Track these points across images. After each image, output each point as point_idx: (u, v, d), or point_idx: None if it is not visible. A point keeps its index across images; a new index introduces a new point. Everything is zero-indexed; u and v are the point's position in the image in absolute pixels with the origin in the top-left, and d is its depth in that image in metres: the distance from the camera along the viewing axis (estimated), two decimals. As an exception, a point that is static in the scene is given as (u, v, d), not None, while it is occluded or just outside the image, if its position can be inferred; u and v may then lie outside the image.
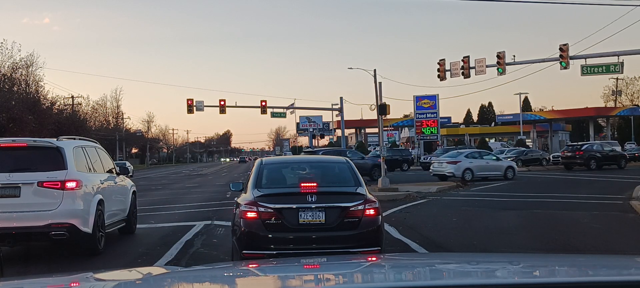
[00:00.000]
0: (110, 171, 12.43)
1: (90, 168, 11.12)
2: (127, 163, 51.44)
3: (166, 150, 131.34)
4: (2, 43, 52.63)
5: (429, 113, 55.70)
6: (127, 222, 12.85)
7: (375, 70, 30.60)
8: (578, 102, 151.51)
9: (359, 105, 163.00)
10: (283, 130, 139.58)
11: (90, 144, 12.18)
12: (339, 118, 57.92)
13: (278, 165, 10.55)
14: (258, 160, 10.15)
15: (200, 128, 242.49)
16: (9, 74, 51.36)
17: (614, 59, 30.08)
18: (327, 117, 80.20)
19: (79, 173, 10.35)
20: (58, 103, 60.47)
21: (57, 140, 10.80)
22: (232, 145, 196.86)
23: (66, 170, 10.04)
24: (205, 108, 50.07)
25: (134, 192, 13.63)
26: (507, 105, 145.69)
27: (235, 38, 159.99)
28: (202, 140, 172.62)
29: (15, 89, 51.21)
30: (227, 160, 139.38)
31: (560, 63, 30.64)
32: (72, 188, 9.98)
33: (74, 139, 11.76)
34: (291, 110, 54.98)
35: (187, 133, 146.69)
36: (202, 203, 21.01)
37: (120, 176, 13.05)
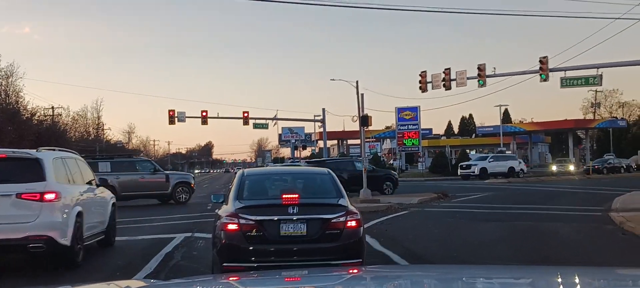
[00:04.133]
0: (89, 182, 12.30)
1: (69, 180, 11.00)
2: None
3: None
4: None
5: (410, 124, 55.87)
6: (106, 234, 12.70)
7: (357, 82, 30.73)
8: (558, 114, 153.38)
9: (342, 116, 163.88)
10: (265, 142, 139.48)
11: (70, 155, 12.07)
12: (321, 129, 57.98)
13: (260, 176, 10.54)
14: (239, 171, 10.10)
15: (181, 139, 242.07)
16: None
17: (593, 72, 30.40)
18: (309, 128, 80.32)
19: (58, 184, 10.23)
20: (38, 114, 59.84)
21: (36, 151, 10.68)
22: (214, 156, 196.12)
23: (45, 181, 9.92)
24: (186, 119, 49.89)
25: (113, 204, 13.50)
26: (487, 117, 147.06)
27: (218, 48, 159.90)
28: (184, 152, 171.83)
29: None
30: (197, 171, 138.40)
31: (540, 75, 30.92)
32: (50, 200, 9.85)
33: (54, 150, 11.65)
34: (273, 121, 54.95)
35: (168, 144, 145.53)
36: (182, 215, 20.83)
37: (100, 187, 12.93)
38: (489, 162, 52.76)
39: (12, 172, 10.07)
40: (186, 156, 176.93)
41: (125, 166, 27.09)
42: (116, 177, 25.50)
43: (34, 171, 9.99)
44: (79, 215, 10.60)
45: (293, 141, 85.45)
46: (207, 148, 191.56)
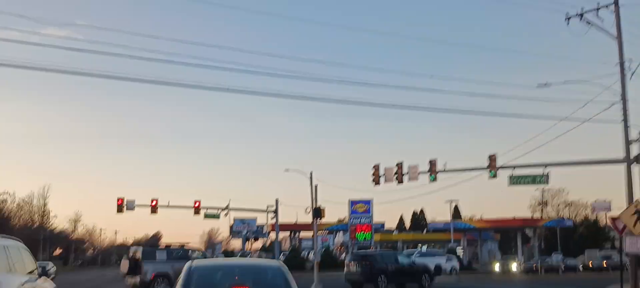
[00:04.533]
0: (31, 272, 11.76)
1: (10, 268, 10.50)
2: (50, 265, 49.04)
3: (92, 252, 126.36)
4: None
5: (363, 218, 56.02)
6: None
7: (311, 173, 30.87)
8: (507, 211, 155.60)
9: (295, 207, 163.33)
10: (216, 232, 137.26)
11: (13, 243, 11.56)
12: (273, 220, 57.47)
13: (208, 269, 10.00)
14: (187, 263, 9.68)
15: (129, 227, 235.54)
16: None
17: (539, 170, 31.27)
18: (261, 219, 79.46)
19: (-2, 273, 9.74)
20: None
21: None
22: (162, 246, 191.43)
23: None
24: (136, 207, 48.84)
25: (52, 296, 12.88)
26: (438, 212, 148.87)
27: (170, 137, 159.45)
28: (130, 242, 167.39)
29: None
30: None
31: (489, 172, 31.66)
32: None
33: (-3, 237, 11.16)
34: (225, 211, 54.27)
35: (115, 233, 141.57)
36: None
37: (42, 277, 12.36)
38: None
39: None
40: (133, 246, 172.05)
41: (180, 255, 28.10)
42: (171, 266, 26.97)
43: None
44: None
45: (245, 232, 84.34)
46: (155, 238, 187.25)
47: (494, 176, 31.44)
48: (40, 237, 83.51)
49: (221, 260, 9.78)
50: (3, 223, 56.32)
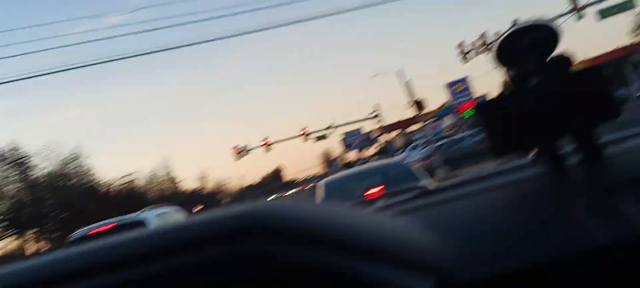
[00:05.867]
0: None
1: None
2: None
3: (228, 200, 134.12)
4: (48, 144, 54.69)
5: (463, 96, 56.07)
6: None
7: (401, 70, 31.77)
8: (599, 51, 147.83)
9: (394, 109, 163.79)
10: (330, 151, 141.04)
11: (169, 210, 13.65)
12: (379, 124, 58.82)
13: (340, 181, 10.51)
14: (319, 182, 10.46)
15: (250, 172, 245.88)
16: (61, 171, 53.00)
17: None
18: (367, 127, 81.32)
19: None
20: (112, 185, 62.57)
21: (141, 212, 12.33)
22: (285, 179, 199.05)
23: None
24: (251, 151, 51.52)
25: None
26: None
27: (266, 75, 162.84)
28: (257, 181, 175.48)
29: (70, 183, 52.98)
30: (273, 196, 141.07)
31: (577, 14, 31.23)
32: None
33: (156, 208, 13.25)
34: (332, 129, 56.25)
35: (240, 179, 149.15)
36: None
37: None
38: None
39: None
40: (259, 186, 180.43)
41: None
42: None
43: None
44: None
45: (356, 143, 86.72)
46: (277, 173, 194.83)
47: (580, 18, 31.03)
48: (177, 202, 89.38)
49: (348, 172, 10.52)
50: (139, 200, 61.18)
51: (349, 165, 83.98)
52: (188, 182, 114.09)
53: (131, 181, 72.35)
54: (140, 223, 11.52)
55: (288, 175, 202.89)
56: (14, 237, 42.12)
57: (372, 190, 8.44)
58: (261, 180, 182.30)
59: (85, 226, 12.61)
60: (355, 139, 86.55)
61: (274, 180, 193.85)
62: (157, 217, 12.22)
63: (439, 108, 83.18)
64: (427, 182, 8.81)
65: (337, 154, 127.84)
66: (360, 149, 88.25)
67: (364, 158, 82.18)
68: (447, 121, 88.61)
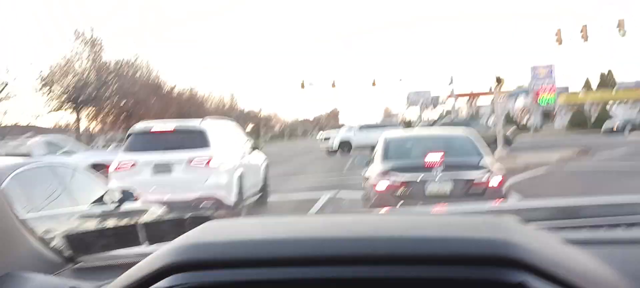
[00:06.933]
0: (245, 147, 13.34)
1: (230, 146, 12.05)
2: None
3: (279, 127, 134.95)
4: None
5: (545, 81, 53.77)
6: (261, 194, 13.71)
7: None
8: None
9: (473, 78, 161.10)
10: (391, 107, 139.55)
11: (229, 123, 13.16)
12: (450, 89, 57.28)
13: (402, 139, 10.76)
14: (382, 134, 10.48)
15: (309, 106, 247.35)
16: (132, 61, 53.37)
17: None
18: (436, 91, 79.65)
19: (221, 151, 11.26)
20: (177, 87, 62.99)
21: (201, 122, 11.79)
22: (340, 122, 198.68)
23: (209, 148, 10.97)
24: (316, 85, 51.19)
25: (266, 166, 14.51)
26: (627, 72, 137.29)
27: (342, 26, 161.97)
28: (311, 119, 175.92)
29: (138, 74, 53.51)
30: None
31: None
32: (215, 166, 10.87)
33: (216, 119, 12.77)
34: (400, 81, 54.91)
35: (295, 112, 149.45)
36: (323, 176, 21.84)
37: (255, 150, 13.96)
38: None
39: (182, 142, 11.18)
40: (313, 122, 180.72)
41: None
42: None
43: (200, 140, 11.07)
44: (240, 177, 11.61)
45: (420, 102, 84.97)
46: (334, 114, 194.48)
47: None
48: (232, 117, 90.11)
49: (412, 132, 10.37)
50: (199, 107, 61.47)
51: (408, 124, 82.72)
52: (247, 104, 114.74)
53: (194, 87, 73.09)
54: (199, 131, 11.05)
55: (343, 119, 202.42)
56: (70, 111, 42.75)
57: (431, 157, 8.41)
58: (315, 118, 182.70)
59: (142, 120, 12.21)
60: (419, 98, 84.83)
61: (328, 120, 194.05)
62: (216, 129, 11.71)
63: (516, 89, 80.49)
64: (489, 161, 8.98)
65: (398, 112, 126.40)
66: (424, 109, 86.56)
67: (426, 121, 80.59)
68: (520, 102, 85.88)
